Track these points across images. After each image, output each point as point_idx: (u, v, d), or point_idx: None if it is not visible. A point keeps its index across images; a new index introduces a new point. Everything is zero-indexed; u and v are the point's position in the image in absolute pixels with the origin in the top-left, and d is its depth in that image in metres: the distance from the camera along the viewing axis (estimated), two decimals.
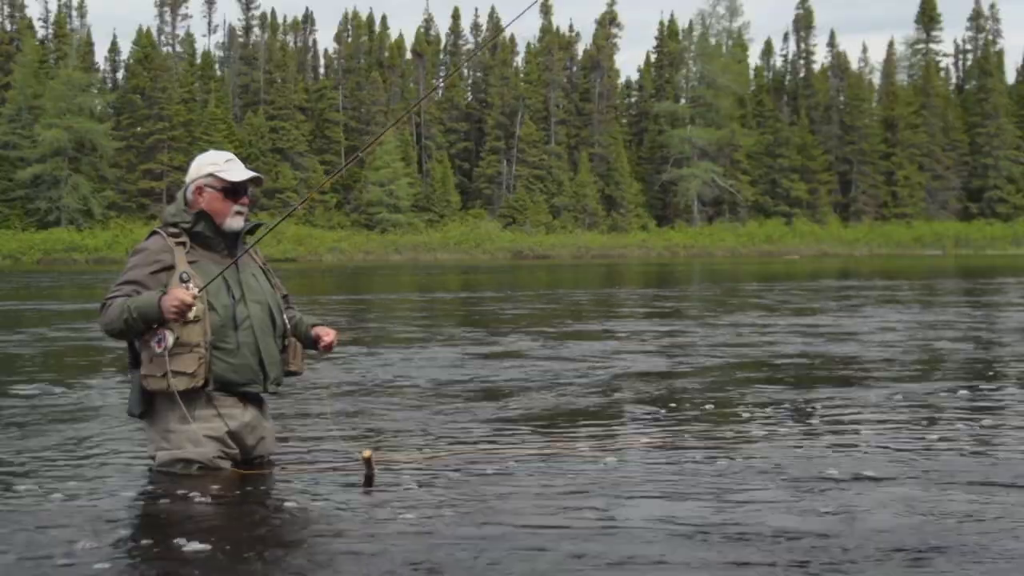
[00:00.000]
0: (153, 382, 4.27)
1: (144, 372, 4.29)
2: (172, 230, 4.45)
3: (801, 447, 5.13)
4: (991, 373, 8.17)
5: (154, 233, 4.48)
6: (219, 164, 4.50)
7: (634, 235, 72.12)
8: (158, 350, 4.24)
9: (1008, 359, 9.35)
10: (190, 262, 4.37)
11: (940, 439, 5.29)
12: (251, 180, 4.53)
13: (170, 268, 4.34)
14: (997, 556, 3.31)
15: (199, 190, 4.48)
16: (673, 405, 6.56)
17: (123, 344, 4.50)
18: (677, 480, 4.37)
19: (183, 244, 4.41)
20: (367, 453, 4.40)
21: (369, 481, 4.33)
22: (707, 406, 6.49)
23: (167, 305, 4.17)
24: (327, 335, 4.64)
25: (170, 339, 4.23)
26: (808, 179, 79.51)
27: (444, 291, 24.41)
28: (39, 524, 3.70)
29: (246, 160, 4.64)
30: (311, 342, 4.67)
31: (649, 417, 6.13)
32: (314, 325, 4.69)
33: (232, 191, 4.47)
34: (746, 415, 6.19)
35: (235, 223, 4.48)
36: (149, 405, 4.36)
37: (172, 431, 4.34)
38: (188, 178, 4.54)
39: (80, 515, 3.82)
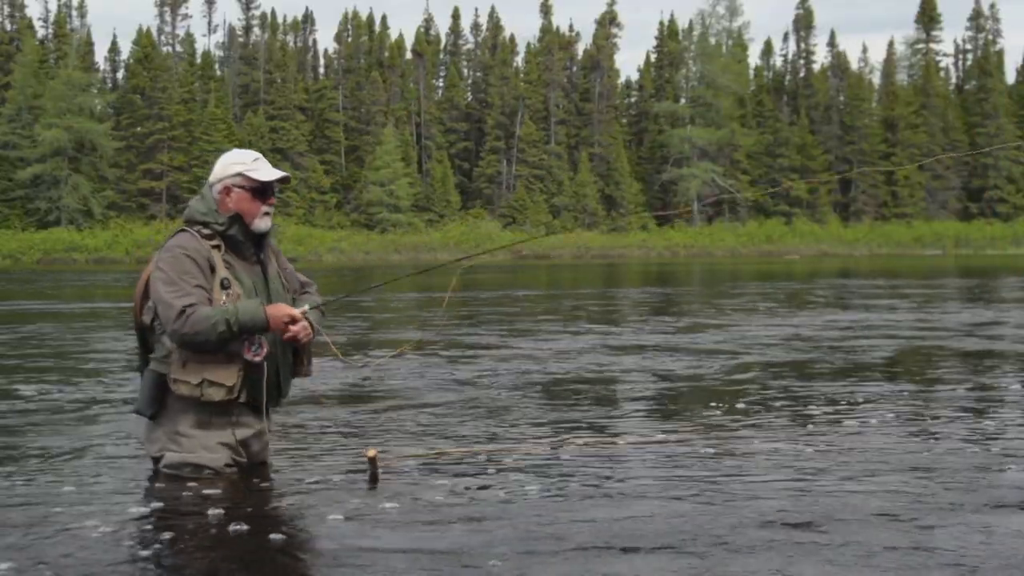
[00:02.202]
0: (185, 388, 4.19)
1: (176, 376, 4.19)
2: (204, 231, 4.32)
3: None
4: None
5: (182, 231, 4.34)
6: (247, 163, 4.39)
7: (634, 235, 72.07)
8: (256, 359, 4.20)
9: None
10: (226, 266, 4.28)
11: None
12: (279, 179, 4.42)
13: (212, 270, 4.25)
14: None
15: (227, 190, 4.36)
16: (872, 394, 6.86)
17: (130, 340, 4.48)
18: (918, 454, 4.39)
19: (218, 247, 4.30)
20: (372, 452, 4.40)
21: (374, 480, 4.32)
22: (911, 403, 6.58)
23: (278, 321, 4.18)
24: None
25: (267, 347, 4.23)
26: (808, 179, 79.40)
27: (472, 291, 24.39)
28: (49, 520, 3.69)
29: None
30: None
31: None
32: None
33: (261, 191, 4.37)
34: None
35: (263, 224, 4.38)
36: (160, 405, 4.31)
37: (184, 435, 4.29)
38: (213, 177, 4.41)
39: (89, 513, 3.81)
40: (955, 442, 5.20)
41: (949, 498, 4.04)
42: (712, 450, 4.99)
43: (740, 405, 6.43)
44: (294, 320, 4.22)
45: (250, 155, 4.46)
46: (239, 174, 4.36)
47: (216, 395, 4.18)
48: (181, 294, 4.12)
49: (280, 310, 4.20)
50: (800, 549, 3.38)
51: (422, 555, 3.34)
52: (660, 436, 5.41)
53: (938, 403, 6.50)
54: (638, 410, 6.48)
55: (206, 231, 4.31)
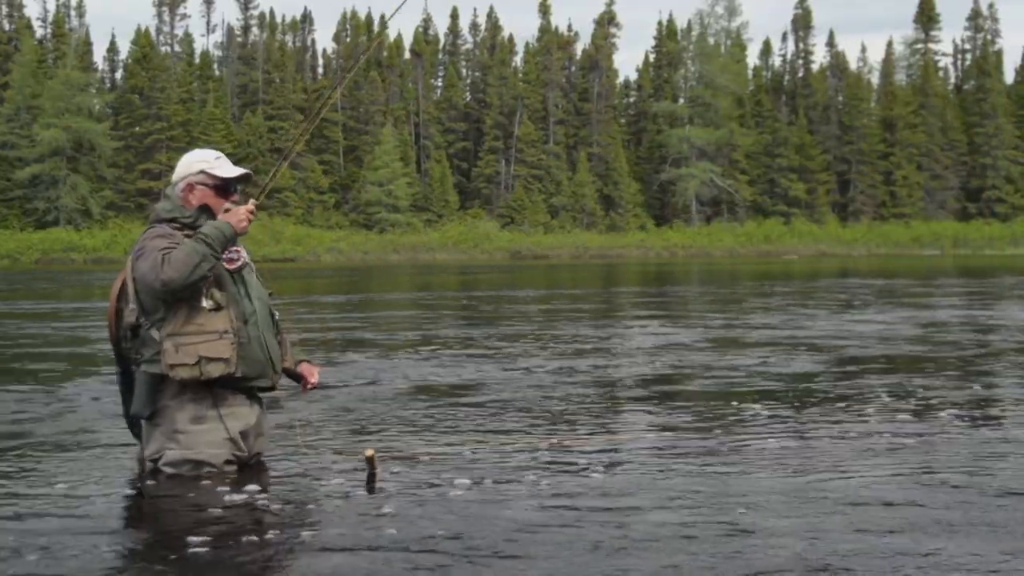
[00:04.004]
0: (185, 371, 4.20)
1: (172, 362, 4.19)
2: (174, 225, 4.40)
3: None
4: None
5: (152, 227, 4.41)
6: (209, 161, 4.48)
7: (632, 235, 72.06)
8: (232, 267, 4.32)
9: None
10: None
11: None
12: (241, 177, 4.51)
13: None
14: None
15: (189, 187, 4.44)
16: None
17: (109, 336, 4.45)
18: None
19: (188, 238, 4.35)
20: (369, 452, 4.39)
21: (371, 480, 4.31)
22: None
23: (236, 220, 4.27)
24: (312, 376, 4.73)
25: (245, 255, 4.38)
26: (806, 179, 79.47)
27: (531, 289, 24.49)
28: (46, 520, 3.68)
29: (244, 160, 4.61)
30: (295, 377, 4.74)
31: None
32: (300, 361, 4.75)
33: (223, 188, 4.45)
34: None
35: None
36: (156, 406, 4.30)
37: (182, 431, 4.29)
38: (176, 176, 4.50)
39: (84, 514, 3.80)
40: None
41: None
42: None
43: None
44: (250, 212, 4.33)
45: (212, 154, 4.55)
46: (201, 171, 4.46)
47: (215, 370, 4.20)
48: (159, 252, 4.19)
49: (233, 212, 4.32)
50: None
51: (419, 555, 3.33)
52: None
53: None
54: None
55: (175, 224, 4.39)
